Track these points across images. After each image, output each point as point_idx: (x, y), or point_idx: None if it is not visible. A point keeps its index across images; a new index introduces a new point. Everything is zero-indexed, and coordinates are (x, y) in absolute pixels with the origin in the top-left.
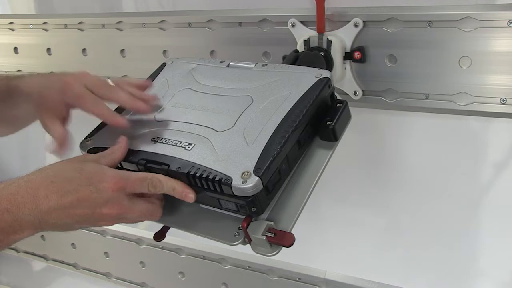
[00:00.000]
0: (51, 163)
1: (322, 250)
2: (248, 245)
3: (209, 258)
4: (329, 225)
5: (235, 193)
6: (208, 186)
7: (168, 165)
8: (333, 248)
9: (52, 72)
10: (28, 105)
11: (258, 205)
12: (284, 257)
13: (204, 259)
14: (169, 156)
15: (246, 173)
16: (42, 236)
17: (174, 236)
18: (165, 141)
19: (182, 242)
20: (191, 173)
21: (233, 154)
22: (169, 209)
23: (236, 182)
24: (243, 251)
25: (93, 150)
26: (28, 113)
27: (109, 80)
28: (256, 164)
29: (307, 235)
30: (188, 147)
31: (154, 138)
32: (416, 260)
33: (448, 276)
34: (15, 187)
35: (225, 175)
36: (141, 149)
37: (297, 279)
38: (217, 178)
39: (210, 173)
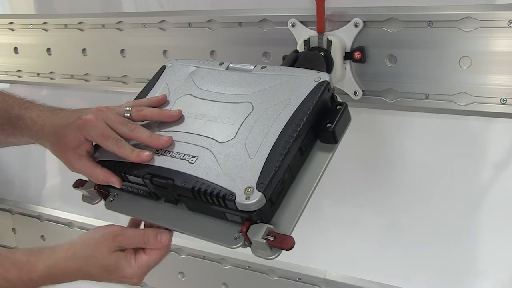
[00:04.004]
0: (82, 242)
1: (322, 250)
2: (248, 247)
3: (209, 258)
4: (329, 225)
5: (239, 209)
6: (213, 201)
7: (173, 180)
8: (333, 248)
9: (61, 108)
10: (32, 139)
11: (263, 217)
12: (284, 257)
13: (204, 259)
14: (173, 170)
15: (249, 189)
16: (42, 236)
17: (174, 236)
18: (169, 153)
19: (182, 242)
20: (196, 188)
21: (235, 167)
22: (170, 212)
23: (240, 198)
24: (243, 252)
25: (99, 163)
26: (27, 142)
27: (126, 105)
28: (258, 178)
29: (307, 235)
30: (192, 160)
31: (158, 150)
32: (416, 260)
33: (448, 276)
34: (51, 264)
35: (229, 190)
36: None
37: (297, 279)
38: (221, 194)
39: (214, 188)
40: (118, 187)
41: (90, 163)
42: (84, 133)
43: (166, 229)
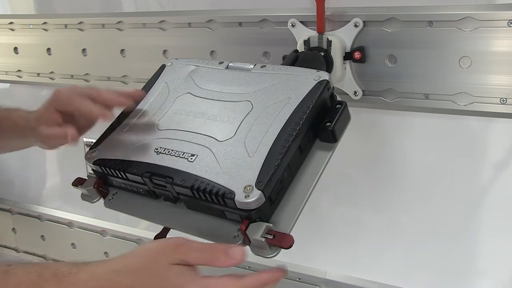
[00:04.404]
0: (136, 253)
1: (322, 250)
2: (247, 246)
3: None
4: (329, 225)
5: (238, 207)
6: (212, 199)
7: (172, 178)
8: (333, 248)
9: None
10: (20, 137)
11: (262, 216)
12: (284, 257)
13: None
14: (172, 168)
15: (249, 187)
16: (42, 236)
17: (174, 237)
18: (168, 152)
19: None
20: (195, 186)
21: (235, 166)
22: (169, 211)
23: (239, 197)
24: None
25: (98, 162)
26: (16, 144)
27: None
28: (257, 177)
29: (307, 235)
30: (191, 159)
31: (157, 149)
32: (416, 260)
33: (448, 276)
34: (96, 276)
35: (228, 189)
36: (145, 160)
37: (297, 279)
38: (220, 193)
39: (214, 187)
40: (68, 140)
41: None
42: (55, 103)
43: (165, 228)
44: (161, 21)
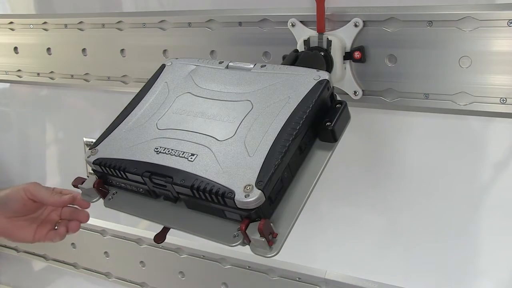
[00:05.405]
0: None
1: (322, 250)
2: (247, 246)
3: (209, 258)
4: (329, 225)
5: (238, 206)
6: (212, 199)
7: (172, 178)
8: (333, 248)
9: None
10: None
11: (262, 215)
12: (284, 257)
13: (204, 259)
14: (172, 168)
15: (248, 187)
16: None
17: (174, 236)
18: (168, 151)
19: (182, 242)
20: (195, 186)
21: (235, 165)
22: (169, 210)
23: (239, 196)
24: (243, 251)
25: (98, 162)
26: None
27: None
28: (258, 176)
29: (307, 235)
30: (191, 158)
31: (157, 149)
32: (416, 260)
33: (448, 275)
34: None
35: (228, 188)
36: (145, 160)
37: (297, 279)
38: (220, 192)
39: (213, 186)
40: None
41: None
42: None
43: (165, 227)
44: (161, 21)
